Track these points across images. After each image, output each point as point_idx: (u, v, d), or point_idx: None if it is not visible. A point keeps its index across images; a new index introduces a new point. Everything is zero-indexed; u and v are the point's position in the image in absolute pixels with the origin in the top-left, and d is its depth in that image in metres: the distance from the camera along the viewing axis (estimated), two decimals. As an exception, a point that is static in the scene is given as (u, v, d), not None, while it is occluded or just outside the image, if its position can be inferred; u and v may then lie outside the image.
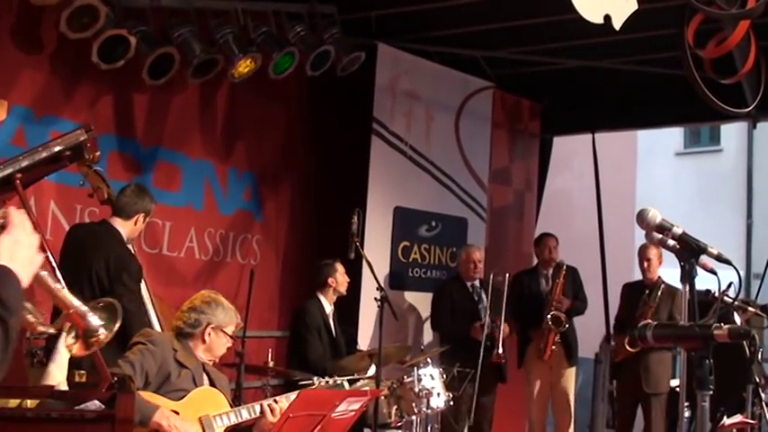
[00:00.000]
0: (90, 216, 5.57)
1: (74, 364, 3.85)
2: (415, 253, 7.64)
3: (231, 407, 3.93)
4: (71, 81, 5.60)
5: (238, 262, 6.83)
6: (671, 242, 2.84)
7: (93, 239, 4.84)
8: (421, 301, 7.43)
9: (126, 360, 3.74)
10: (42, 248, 1.89)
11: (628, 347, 6.74)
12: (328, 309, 6.28)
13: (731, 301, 4.36)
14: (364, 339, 6.86)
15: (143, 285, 4.96)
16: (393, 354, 6.01)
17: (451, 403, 5.87)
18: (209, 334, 4.01)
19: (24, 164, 3.02)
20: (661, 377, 6.93)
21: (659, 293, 6.80)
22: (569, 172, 11.93)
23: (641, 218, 2.89)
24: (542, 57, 7.89)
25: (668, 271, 6.74)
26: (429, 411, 5.67)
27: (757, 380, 5.10)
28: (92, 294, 4.66)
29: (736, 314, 5.97)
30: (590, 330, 8.12)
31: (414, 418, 5.62)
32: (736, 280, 2.93)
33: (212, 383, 4.02)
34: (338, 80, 6.97)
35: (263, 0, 6.39)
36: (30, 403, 2.95)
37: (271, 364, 5.57)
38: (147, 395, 3.67)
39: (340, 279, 6.31)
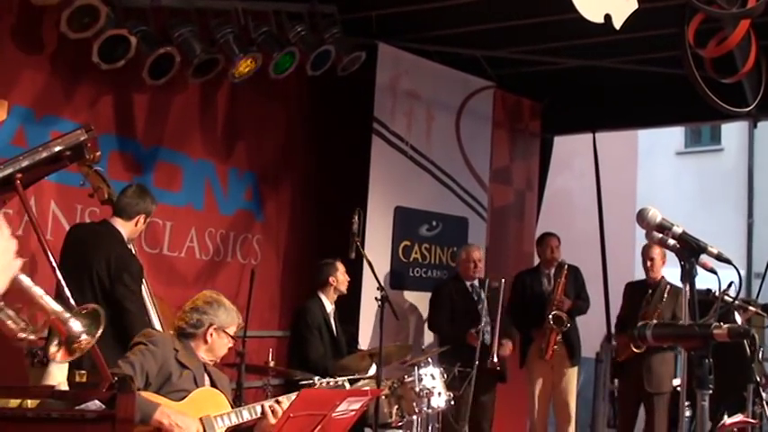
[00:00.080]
0: (90, 216, 5.57)
1: (74, 364, 3.86)
2: (416, 253, 7.64)
3: (232, 407, 3.93)
4: (71, 81, 5.60)
5: (239, 262, 6.83)
6: (671, 241, 2.84)
7: (93, 239, 4.84)
8: (421, 301, 7.42)
9: (126, 360, 3.73)
10: (16, 253, 1.87)
11: (633, 348, 6.73)
12: (329, 308, 6.28)
13: (732, 300, 4.35)
14: (365, 339, 6.86)
15: (143, 285, 4.96)
16: (394, 353, 6.01)
17: (452, 403, 5.88)
18: (211, 334, 4.00)
19: (25, 164, 3.03)
20: (663, 377, 6.92)
21: (665, 294, 6.78)
22: (570, 171, 11.93)
23: (641, 217, 2.89)
24: (543, 56, 7.89)
25: (669, 270, 6.76)
26: (430, 411, 5.67)
27: (758, 379, 5.10)
28: (92, 295, 4.67)
29: (736, 313, 5.97)
30: (591, 330, 8.12)
31: (414, 417, 5.62)
32: (736, 279, 2.93)
33: (213, 384, 4.01)
34: (339, 80, 6.97)
35: (264, 0, 6.39)
36: (30, 403, 2.95)
37: (271, 363, 5.57)
38: (148, 395, 3.68)
39: (341, 278, 6.31)
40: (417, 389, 5.57)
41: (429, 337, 7.38)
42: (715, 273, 2.92)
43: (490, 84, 8.29)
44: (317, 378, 5.06)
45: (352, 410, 3.89)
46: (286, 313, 7.03)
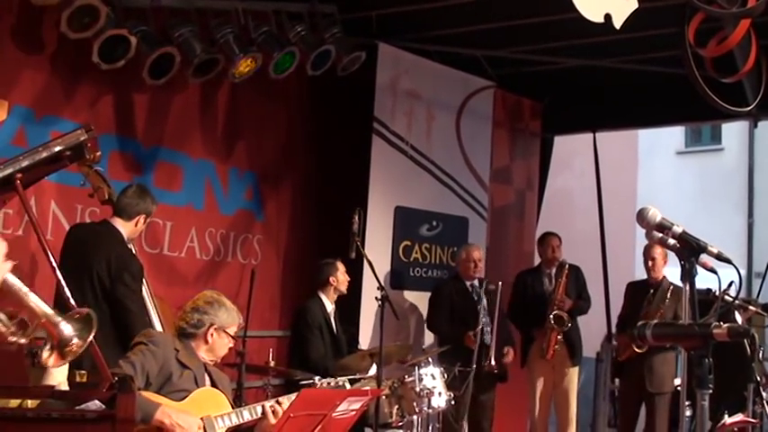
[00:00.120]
0: (91, 216, 5.57)
1: (74, 364, 3.86)
2: (416, 252, 7.64)
3: (233, 407, 3.94)
4: (71, 81, 5.60)
5: (239, 262, 6.83)
6: (671, 241, 2.84)
7: (94, 239, 4.84)
8: (422, 301, 7.42)
9: (127, 360, 3.74)
10: (5, 256, 1.87)
11: (635, 348, 6.73)
12: (329, 308, 6.28)
13: (732, 300, 4.35)
14: (365, 339, 6.86)
15: (144, 285, 4.96)
16: (394, 353, 6.01)
17: (453, 402, 5.88)
18: (212, 334, 4.00)
19: (25, 164, 3.03)
20: (665, 377, 6.92)
21: (668, 294, 6.77)
22: (570, 171, 11.93)
23: (641, 217, 2.89)
24: (543, 56, 7.89)
25: (669, 270, 6.75)
26: (430, 411, 5.67)
27: (758, 378, 5.11)
28: (93, 295, 4.67)
29: (737, 313, 5.97)
30: (591, 329, 8.12)
31: (415, 417, 5.62)
32: (736, 279, 2.93)
33: (214, 384, 4.01)
34: (339, 80, 6.97)
35: (264, 0, 6.39)
36: (30, 403, 2.95)
37: (272, 363, 5.57)
38: (149, 395, 3.68)
39: (341, 278, 6.32)
40: (418, 389, 5.57)
41: (429, 336, 7.37)
42: (715, 272, 2.92)
43: (490, 83, 8.29)
44: (317, 378, 5.06)
45: (353, 410, 3.89)
46: (286, 313, 7.03)
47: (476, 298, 6.98)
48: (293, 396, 3.87)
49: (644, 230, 2.94)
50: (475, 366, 6.28)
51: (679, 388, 6.94)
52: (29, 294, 2.63)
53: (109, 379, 3.01)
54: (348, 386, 4.96)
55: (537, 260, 8.07)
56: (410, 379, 5.61)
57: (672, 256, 3.12)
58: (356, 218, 5.65)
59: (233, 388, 4.77)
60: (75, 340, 2.70)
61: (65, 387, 3.60)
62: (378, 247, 7.07)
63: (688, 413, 5.08)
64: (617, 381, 7.85)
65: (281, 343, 6.79)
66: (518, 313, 7.53)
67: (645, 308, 6.80)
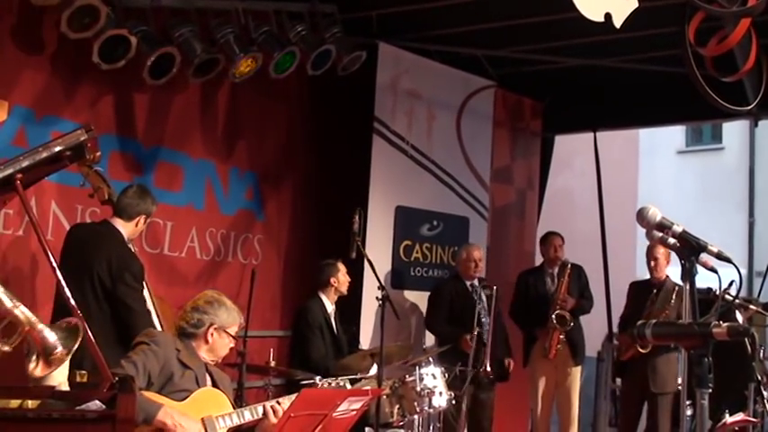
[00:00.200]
0: (91, 216, 5.58)
1: (75, 364, 3.86)
2: (417, 252, 7.64)
3: (234, 407, 3.93)
4: (72, 81, 5.60)
5: (240, 262, 6.83)
6: (671, 240, 2.84)
7: (94, 239, 4.84)
8: (422, 301, 7.41)
9: (128, 360, 3.74)
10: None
11: (639, 348, 6.72)
12: (330, 308, 6.28)
13: (732, 299, 4.35)
14: (366, 338, 6.86)
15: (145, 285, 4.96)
16: (395, 353, 6.00)
17: (453, 402, 5.88)
18: (212, 334, 4.00)
19: (25, 164, 3.03)
20: (668, 377, 6.90)
21: (674, 295, 6.76)
22: (571, 171, 11.93)
23: (641, 216, 2.89)
24: (543, 55, 7.88)
25: (671, 270, 6.75)
26: (431, 410, 5.67)
27: (759, 378, 5.11)
28: (93, 295, 4.67)
29: (737, 312, 5.97)
30: (592, 329, 8.11)
31: (416, 417, 5.62)
32: (737, 278, 2.92)
33: (215, 384, 4.01)
34: (339, 79, 6.97)
35: (264, 0, 6.39)
36: (31, 404, 2.95)
37: (272, 363, 5.57)
38: (150, 395, 3.68)
39: (342, 279, 6.32)
40: (418, 388, 5.57)
41: (430, 336, 7.37)
42: (715, 271, 2.92)
43: (491, 83, 8.28)
44: (318, 378, 5.06)
45: (353, 410, 3.89)
46: (287, 313, 7.03)
47: (476, 298, 6.98)
48: (294, 396, 3.87)
49: (644, 230, 2.93)
50: (472, 369, 6.27)
51: (680, 387, 6.94)
52: (12, 301, 2.62)
53: (109, 379, 3.01)
54: (349, 386, 4.96)
55: (538, 260, 8.07)
56: (411, 379, 5.61)
57: (674, 255, 3.12)
58: (357, 217, 5.65)
59: (234, 388, 4.77)
60: (59, 348, 2.71)
61: (65, 387, 3.60)
62: (378, 247, 7.07)
63: (689, 412, 5.08)
64: (618, 380, 7.85)
65: (282, 343, 6.79)
66: (520, 313, 7.53)
67: (648, 308, 6.79)
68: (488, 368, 6.49)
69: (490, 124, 8.35)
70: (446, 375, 5.86)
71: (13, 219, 5.23)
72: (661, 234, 2.86)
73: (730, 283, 3.15)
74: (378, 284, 5.52)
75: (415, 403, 5.57)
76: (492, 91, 8.32)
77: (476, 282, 7.06)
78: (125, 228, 4.89)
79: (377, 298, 5.50)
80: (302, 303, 6.37)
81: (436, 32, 7.53)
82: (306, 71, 6.65)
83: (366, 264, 5.89)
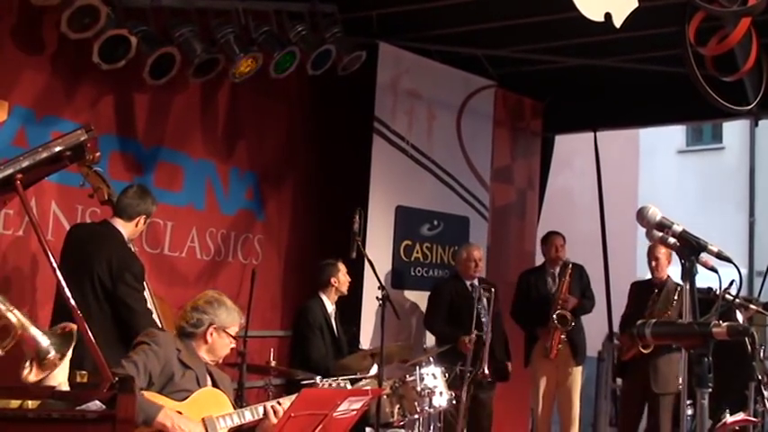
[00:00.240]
0: (91, 216, 5.58)
1: (75, 364, 3.85)
2: (417, 252, 7.64)
3: (234, 408, 3.93)
4: (72, 81, 5.60)
5: (240, 262, 6.82)
6: (671, 240, 2.84)
7: (94, 240, 4.84)
8: (423, 301, 7.41)
9: (129, 360, 3.73)
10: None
11: (641, 348, 6.71)
12: (330, 308, 6.28)
13: (732, 298, 4.35)
14: (366, 338, 6.86)
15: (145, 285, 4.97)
16: (395, 353, 6.01)
17: (454, 402, 5.88)
18: (212, 334, 4.00)
19: (25, 164, 3.02)
20: (670, 377, 6.89)
21: (676, 295, 6.75)
22: (571, 170, 11.93)
23: (641, 215, 2.89)
24: (544, 55, 7.88)
25: (672, 269, 6.75)
26: (431, 410, 5.67)
27: (759, 377, 5.11)
28: (93, 296, 4.67)
29: (738, 312, 5.96)
30: (593, 328, 8.11)
31: (416, 417, 5.62)
32: (737, 278, 2.92)
33: (215, 384, 4.01)
34: (339, 79, 6.97)
35: (264, 0, 6.39)
36: (31, 404, 2.95)
37: (273, 363, 5.57)
38: (151, 395, 3.68)
39: (342, 279, 6.32)
40: (419, 388, 5.57)
41: (430, 336, 7.37)
42: (716, 271, 2.91)
43: (491, 83, 8.28)
44: (318, 378, 5.06)
45: (354, 410, 3.88)
46: (287, 313, 7.03)
47: (475, 297, 6.98)
48: (294, 396, 3.86)
49: (644, 229, 2.93)
50: (471, 370, 6.27)
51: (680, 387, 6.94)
52: (5, 304, 2.62)
53: (109, 379, 3.01)
54: (349, 386, 4.96)
55: (538, 260, 8.07)
56: (411, 378, 5.61)
57: (675, 256, 3.11)
58: (357, 217, 5.65)
59: (234, 388, 4.77)
60: (53, 353, 2.71)
61: (65, 387, 3.59)
62: (378, 247, 7.07)
63: (689, 412, 5.08)
64: (618, 380, 7.85)
65: (283, 343, 6.79)
66: (522, 312, 7.53)
67: (649, 308, 6.79)
68: (486, 371, 6.49)
69: (490, 124, 8.35)
70: (446, 375, 5.86)
71: (13, 219, 5.23)
72: (661, 234, 2.86)
73: (730, 283, 3.14)
74: (378, 284, 5.52)
75: (416, 403, 5.57)
76: (492, 91, 8.32)
77: (476, 282, 7.06)
78: (125, 228, 4.89)
79: (377, 298, 5.50)
80: (302, 303, 6.37)
81: (436, 32, 7.53)
82: (306, 71, 6.64)
83: (366, 264, 5.89)
